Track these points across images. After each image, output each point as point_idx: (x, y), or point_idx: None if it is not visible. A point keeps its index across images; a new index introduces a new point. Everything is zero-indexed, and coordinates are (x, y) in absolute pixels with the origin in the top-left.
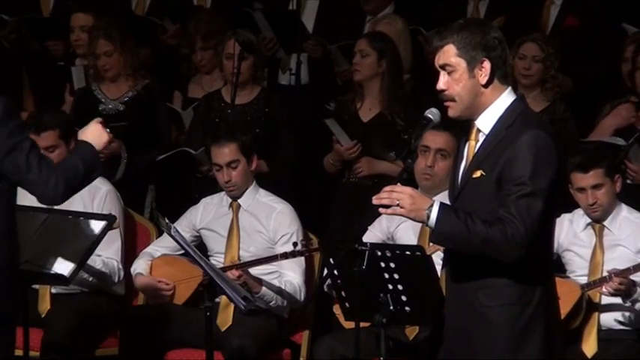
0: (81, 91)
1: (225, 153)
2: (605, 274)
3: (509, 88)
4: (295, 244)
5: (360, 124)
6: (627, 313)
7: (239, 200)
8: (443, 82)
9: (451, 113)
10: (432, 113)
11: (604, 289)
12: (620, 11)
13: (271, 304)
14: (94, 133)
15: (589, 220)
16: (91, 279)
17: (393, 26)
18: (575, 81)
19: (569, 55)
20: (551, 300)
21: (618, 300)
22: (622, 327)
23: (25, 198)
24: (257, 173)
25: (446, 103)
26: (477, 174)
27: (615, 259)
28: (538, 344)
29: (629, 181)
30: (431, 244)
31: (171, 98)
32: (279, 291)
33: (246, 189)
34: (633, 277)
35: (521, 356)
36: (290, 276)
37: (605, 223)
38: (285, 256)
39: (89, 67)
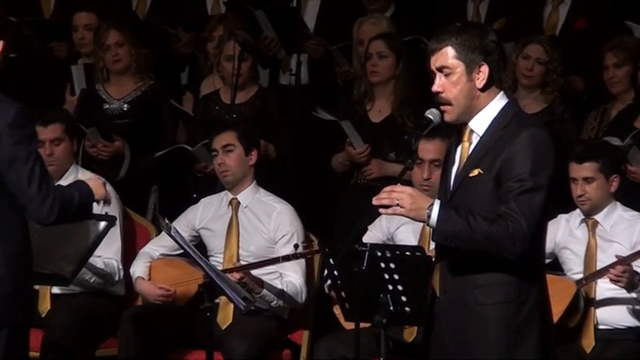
0: (85, 91)
1: (222, 138)
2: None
3: (502, 92)
4: (296, 246)
5: (369, 125)
6: (624, 308)
7: (239, 197)
8: (439, 84)
9: (447, 118)
10: (432, 113)
11: (609, 275)
12: (627, 10)
13: (272, 304)
14: (94, 185)
15: (583, 216)
16: (92, 279)
17: (378, 26)
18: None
19: (578, 56)
20: (546, 299)
21: (615, 294)
22: (620, 324)
23: None
24: (264, 155)
25: (442, 107)
26: (475, 172)
27: (610, 256)
28: (535, 343)
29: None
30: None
31: (182, 99)
32: (280, 292)
33: (242, 179)
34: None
35: (518, 355)
36: (291, 277)
37: (598, 218)
38: (287, 258)
39: (95, 64)
